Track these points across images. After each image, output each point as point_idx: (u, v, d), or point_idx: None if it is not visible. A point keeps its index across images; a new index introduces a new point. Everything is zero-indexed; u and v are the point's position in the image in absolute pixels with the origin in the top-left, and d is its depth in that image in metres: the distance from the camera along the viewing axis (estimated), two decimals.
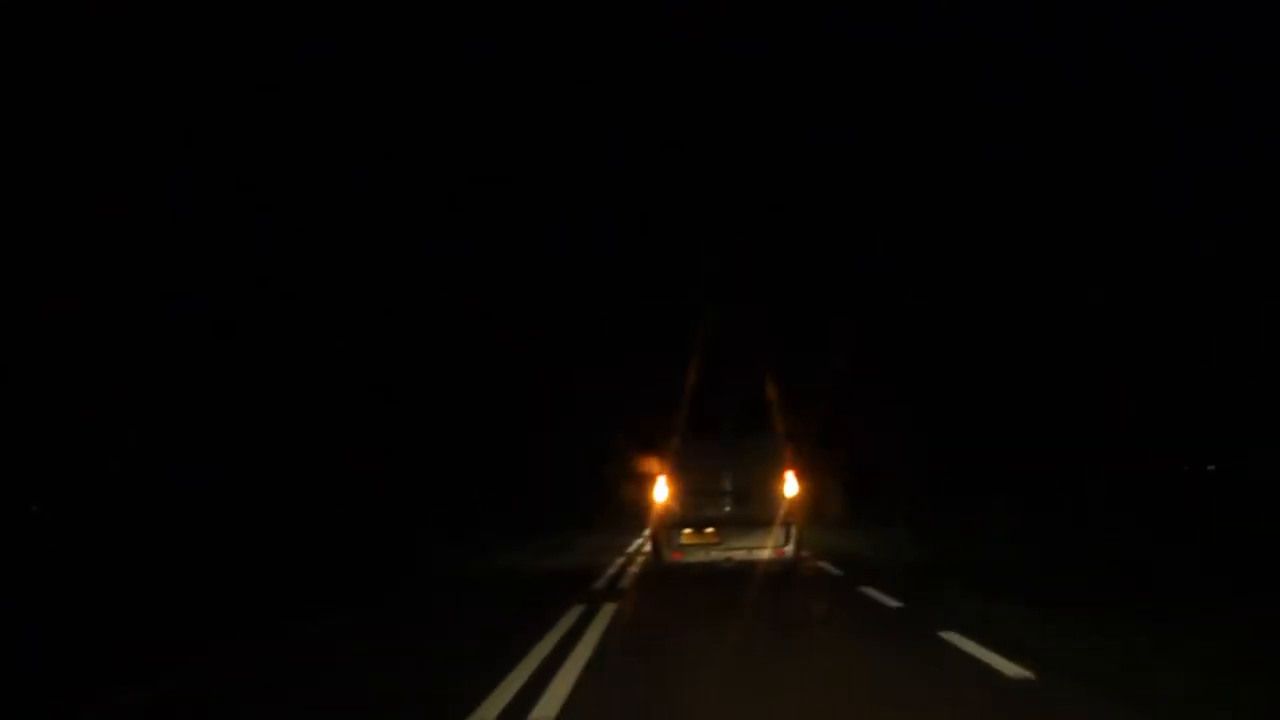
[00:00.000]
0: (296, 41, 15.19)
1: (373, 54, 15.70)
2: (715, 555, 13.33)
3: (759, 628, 9.41)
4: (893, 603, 10.48)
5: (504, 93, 16.99)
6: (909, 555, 16.04)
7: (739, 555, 13.23)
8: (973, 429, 21.18)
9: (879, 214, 20.42)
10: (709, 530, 13.39)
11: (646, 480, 14.23)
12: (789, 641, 8.69)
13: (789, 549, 13.14)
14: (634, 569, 16.45)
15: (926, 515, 22.28)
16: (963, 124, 16.68)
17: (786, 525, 13.17)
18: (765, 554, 13.15)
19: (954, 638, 8.18)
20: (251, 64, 15.38)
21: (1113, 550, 15.05)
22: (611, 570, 16.37)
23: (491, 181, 19.60)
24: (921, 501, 23.05)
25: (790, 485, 13.29)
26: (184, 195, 15.62)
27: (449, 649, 9.15)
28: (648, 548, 16.80)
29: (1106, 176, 15.99)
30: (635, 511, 29.13)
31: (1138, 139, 15.10)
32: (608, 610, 10.75)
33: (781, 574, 13.25)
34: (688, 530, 13.43)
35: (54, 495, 18.56)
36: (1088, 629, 8.29)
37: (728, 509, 13.47)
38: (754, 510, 13.31)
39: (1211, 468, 22.72)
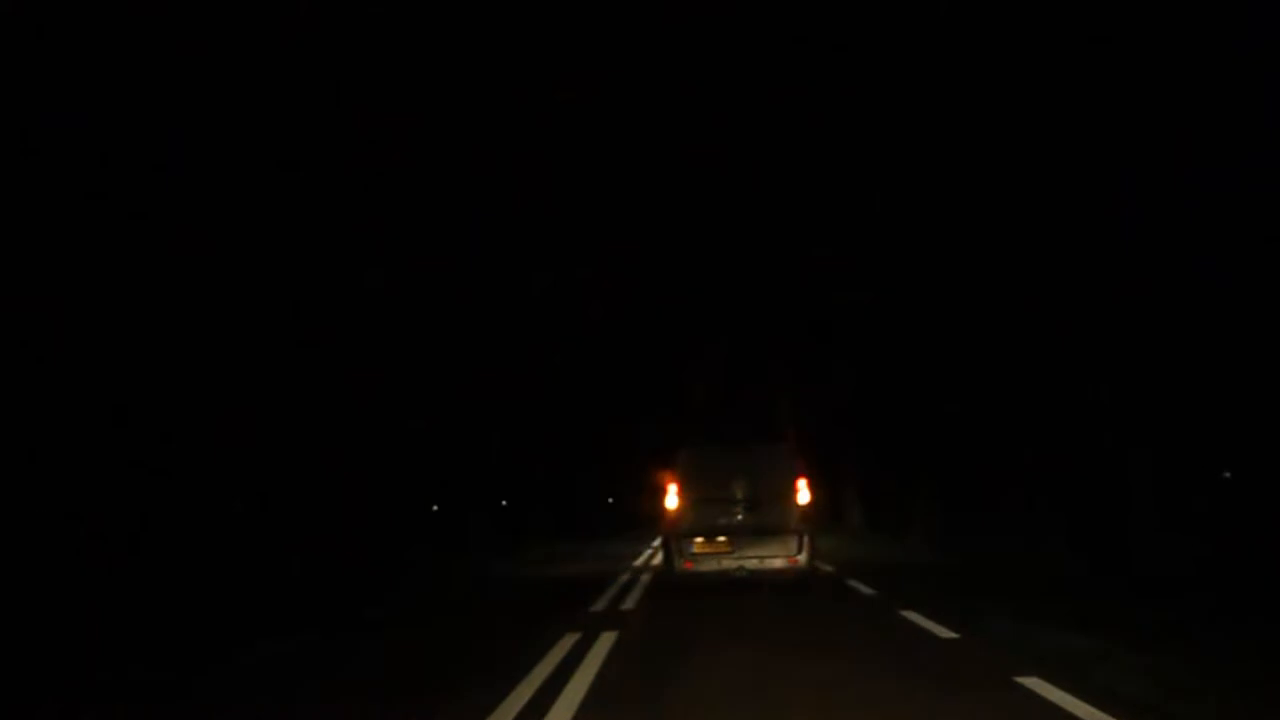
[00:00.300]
0: (295, 40, 13.22)
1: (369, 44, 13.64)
2: (728, 564, 11.89)
3: (795, 676, 6.89)
4: (946, 633, 7.90)
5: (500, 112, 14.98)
6: (940, 569, 13.52)
7: (752, 564, 11.81)
8: (989, 435, 18.74)
9: (886, 227, 18.29)
10: (721, 539, 11.94)
11: (658, 489, 12.69)
12: (834, 693, 6.12)
13: (802, 558, 11.78)
14: (645, 578, 14.47)
15: (945, 525, 19.80)
16: (965, 143, 14.54)
17: (799, 534, 11.81)
18: (778, 563, 11.78)
19: (1039, 685, 5.76)
20: (251, 63, 13.39)
21: (1163, 565, 12.22)
22: (624, 577, 14.27)
23: (491, 193, 17.54)
24: (941, 512, 20.53)
25: (803, 494, 11.97)
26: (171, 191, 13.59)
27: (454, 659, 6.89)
28: (658, 559, 14.81)
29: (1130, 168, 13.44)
30: (648, 520, 27.12)
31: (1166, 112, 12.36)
32: (607, 638, 8.41)
33: (806, 593, 11.57)
34: (700, 539, 11.98)
35: (56, 498, 16.71)
36: (1207, 673, 5.81)
37: (740, 517, 11.98)
38: (767, 519, 11.87)
39: (1227, 475, 20.09)
